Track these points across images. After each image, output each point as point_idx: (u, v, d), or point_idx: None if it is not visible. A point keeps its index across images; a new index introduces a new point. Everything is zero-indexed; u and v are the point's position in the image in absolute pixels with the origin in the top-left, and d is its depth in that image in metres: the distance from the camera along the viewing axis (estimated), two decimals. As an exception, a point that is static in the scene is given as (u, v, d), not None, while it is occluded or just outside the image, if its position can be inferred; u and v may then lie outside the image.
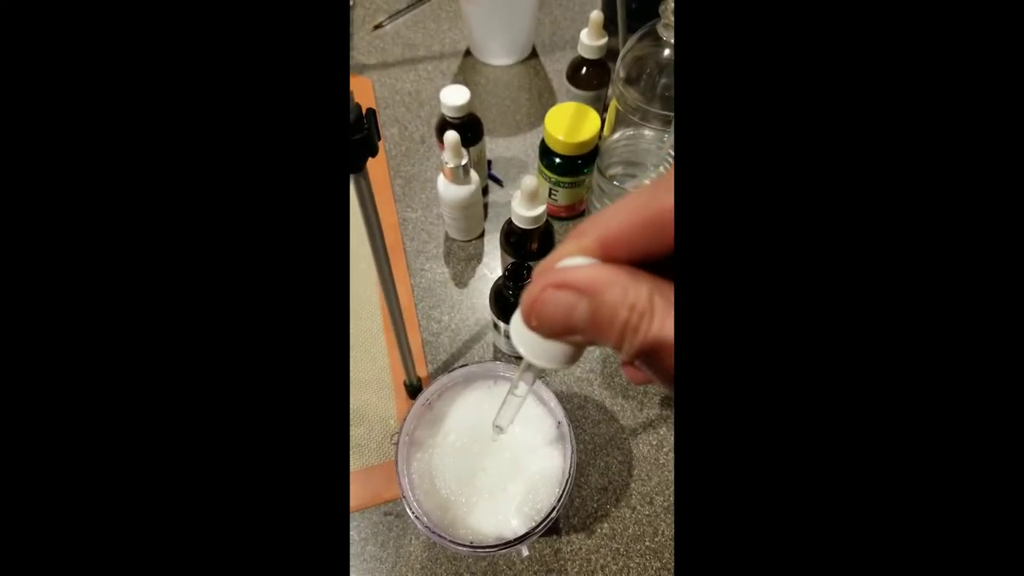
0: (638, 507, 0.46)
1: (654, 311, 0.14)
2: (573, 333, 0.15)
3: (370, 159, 0.31)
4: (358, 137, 0.29)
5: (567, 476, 0.35)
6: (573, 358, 0.17)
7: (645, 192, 0.15)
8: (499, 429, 0.27)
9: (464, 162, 0.50)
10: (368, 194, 0.34)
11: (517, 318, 0.17)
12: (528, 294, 0.16)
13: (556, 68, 0.73)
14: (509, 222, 0.49)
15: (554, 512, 0.34)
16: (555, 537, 0.45)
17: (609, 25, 0.57)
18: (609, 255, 0.15)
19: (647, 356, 0.14)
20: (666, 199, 0.14)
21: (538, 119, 0.69)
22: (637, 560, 0.44)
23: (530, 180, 0.43)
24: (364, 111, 0.30)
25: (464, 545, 0.33)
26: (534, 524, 0.34)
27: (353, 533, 0.45)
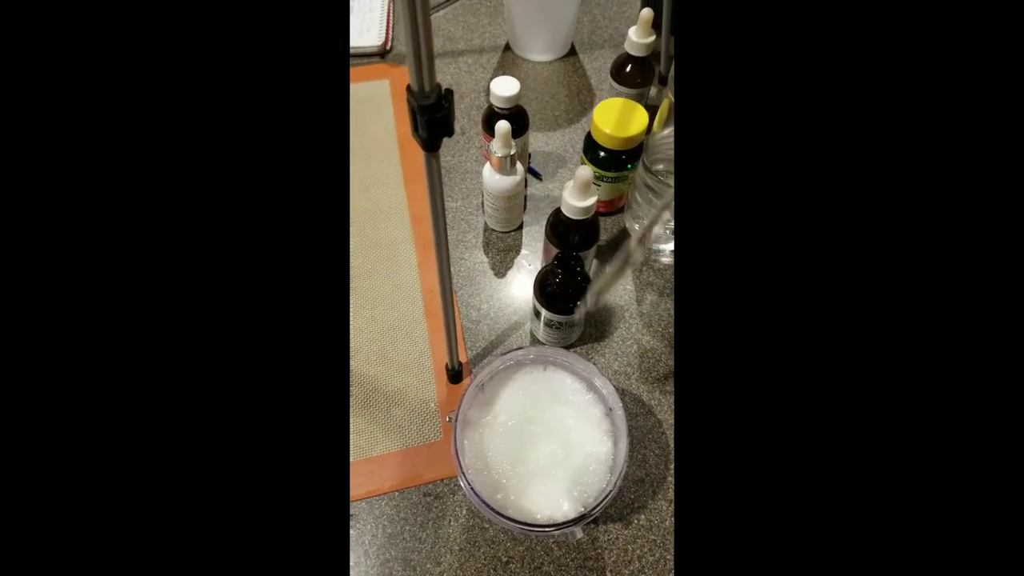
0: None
1: None
2: None
3: (414, 149, 0.32)
4: (439, 116, 0.30)
5: (623, 460, 0.35)
6: None
7: None
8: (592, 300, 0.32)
9: (512, 152, 0.51)
10: (438, 175, 0.34)
11: None
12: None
13: (595, 66, 0.74)
14: (557, 212, 0.49)
15: (608, 496, 0.34)
16: (592, 526, 0.45)
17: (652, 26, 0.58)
18: None
19: None
20: None
21: (577, 115, 0.69)
22: (674, 552, 0.44)
23: (584, 171, 0.44)
24: (444, 91, 0.30)
25: (520, 523, 0.34)
26: (584, 509, 0.35)
27: (392, 513, 0.45)
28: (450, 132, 0.31)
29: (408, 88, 0.30)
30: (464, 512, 0.45)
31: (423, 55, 0.28)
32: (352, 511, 0.46)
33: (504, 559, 0.44)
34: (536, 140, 0.67)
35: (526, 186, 0.63)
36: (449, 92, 0.30)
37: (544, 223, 0.53)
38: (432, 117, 0.30)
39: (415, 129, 0.31)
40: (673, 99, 0.47)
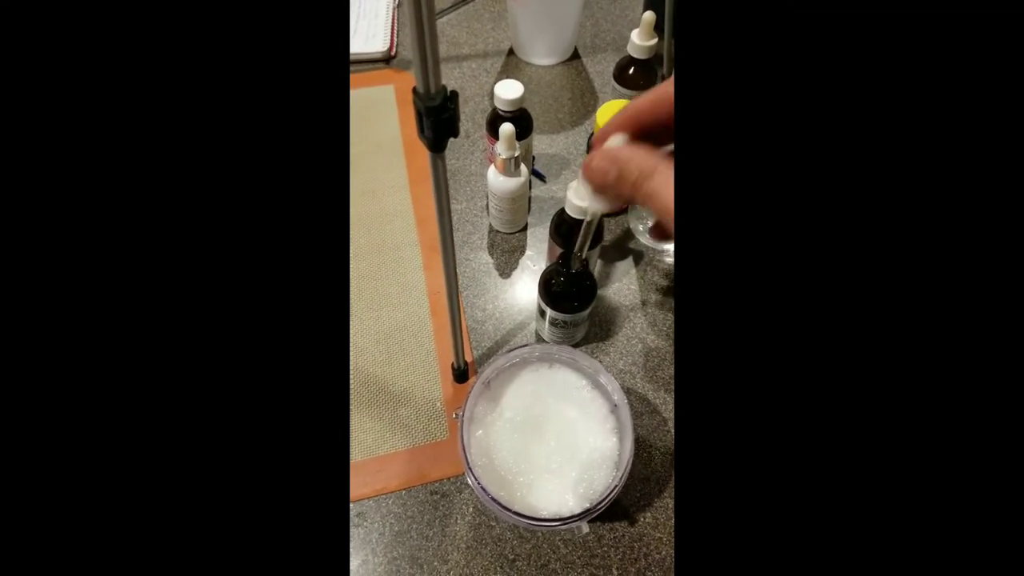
0: (680, 498, 0.47)
1: (654, 174, 0.21)
2: (607, 188, 0.23)
3: (419, 152, 0.33)
4: (445, 117, 0.31)
5: (628, 456, 0.35)
6: (612, 204, 0.26)
7: (659, 86, 0.24)
8: (578, 258, 0.35)
9: (516, 154, 0.51)
10: (443, 176, 0.35)
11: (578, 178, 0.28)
12: (586, 160, 0.25)
13: (598, 69, 0.75)
14: (560, 213, 0.50)
15: (613, 492, 0.35)
16: (598, 524, 0.46)
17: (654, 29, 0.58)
18: (637, 128, 0.24)
19: (649, 201, 0.21)
20: (669, 87, 0.23)
21: (580, 118, 0.70)
22: (679, 549, 0.45)
23: (587, 171, 0.44)
24: (449, 93, 0.31)
25: (527, 519, 0.34)
26: (590, 504, 0.35)
27: (400, 511, 0.46)
28: (455, 133, 0.32)
29: (414, 90, 0.30)
30: (471, 510, 0.46)
31: (429, 58, 0.29)
32: (359, 510, 0.46)
33: (511, 556, 0.44)
34: (540, 142, 0.68)
35: (530, 188, 0.64)
36: (454, 94, 0.31)
37: (548, 224, 0.53)
38: (438, 118, 0.30)
39: (421, 130, 0.32)
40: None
